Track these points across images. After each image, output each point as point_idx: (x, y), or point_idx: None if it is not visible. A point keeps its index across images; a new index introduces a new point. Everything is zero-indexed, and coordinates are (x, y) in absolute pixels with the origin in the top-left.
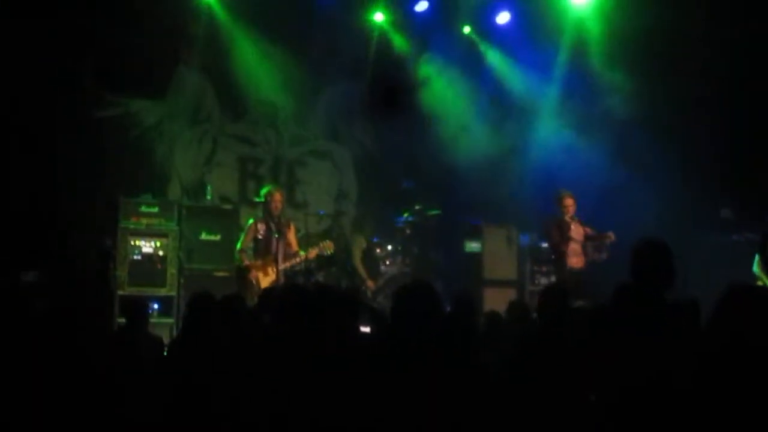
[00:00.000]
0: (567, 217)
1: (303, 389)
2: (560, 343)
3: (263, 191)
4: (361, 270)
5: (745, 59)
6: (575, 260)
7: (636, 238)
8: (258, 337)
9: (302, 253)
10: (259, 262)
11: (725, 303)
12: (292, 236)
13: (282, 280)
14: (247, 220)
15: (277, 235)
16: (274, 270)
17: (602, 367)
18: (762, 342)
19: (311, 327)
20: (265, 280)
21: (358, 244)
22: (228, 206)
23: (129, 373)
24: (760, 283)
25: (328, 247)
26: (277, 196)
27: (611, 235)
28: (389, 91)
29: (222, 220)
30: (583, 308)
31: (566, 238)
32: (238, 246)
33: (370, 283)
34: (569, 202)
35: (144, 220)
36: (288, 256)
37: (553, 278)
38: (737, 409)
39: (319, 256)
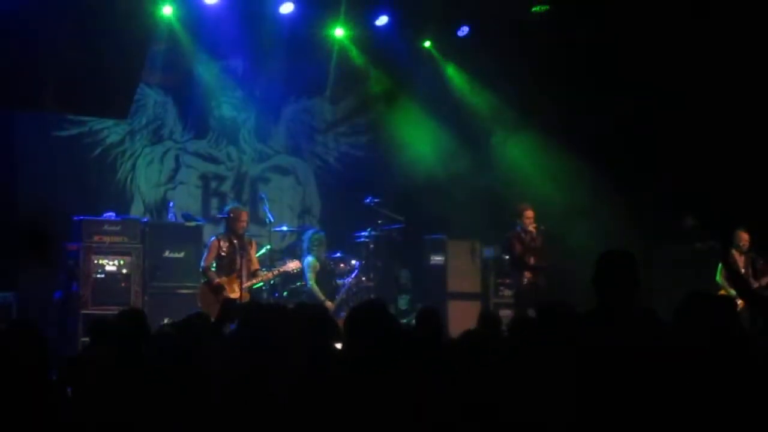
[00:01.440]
0: (530, 228)
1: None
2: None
3: (228, 209)
4: (318, 292)
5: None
6: (532, 273)
7: (599, 248)
8: (219, 350)
9: (266, 273)
10: (224, 279)
11: (684, 311)
12: (253, 254)
13: (246, 297)
14: (210, 238)
15: (241, 252)
16: (239, 287)
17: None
18: (719, 347)
19: (274, 341)
20: (230, 297)
21: (312, 267)
22: (191, 224)
23: (93, 393)
24: (723, 292)
25: (293, 266)
26: (243, 216)
27: None
28: (348, 108)
29: (185, 238)
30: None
31: (529, 249)
32: (203, 263)
33: (329, 304)
34: (530, 213)
35: (107, 239)
36: (252, 275)
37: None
38: (696, 414)
39: (284, 274)
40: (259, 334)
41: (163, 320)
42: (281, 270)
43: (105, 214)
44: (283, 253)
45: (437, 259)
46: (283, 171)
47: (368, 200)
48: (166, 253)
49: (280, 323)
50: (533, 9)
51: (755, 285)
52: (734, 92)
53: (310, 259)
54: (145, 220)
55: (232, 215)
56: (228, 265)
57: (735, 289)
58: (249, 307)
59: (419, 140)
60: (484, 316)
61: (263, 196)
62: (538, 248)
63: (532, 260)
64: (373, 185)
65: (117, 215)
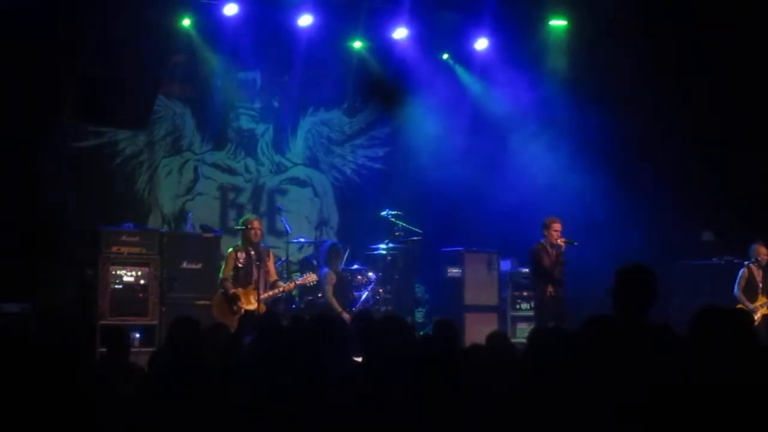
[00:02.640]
0: (559, 241)
1: (284, 416)
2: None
3: (242, 219)
4: (335, 304)
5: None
6: (555, 287)
7: (618, 262)
8: (239, 360)
9: (284, 285)
10: (240, 290)
11: (699, 324)
12: (271, 265)
13: (263, 308)
14: (227, 249)
15: (257, 264)
16: (255, 299)
17: (587, 390)
18: (732, 363)
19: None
20: (247, 308)
21: (329, 279)
22: (209, 235)
23: (110, 403)
24: (740, 306)
25: (311, 279)
26: (256, 224)
27: None
28: (366, 120)
29: (203, 249)
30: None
31: (556, 263)
32: (221, 275)
33: (346, 316)
34: (558, 227)
35: (125, 250)
36: (268, 286)
37: (533, 304)
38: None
39: (300, 286)
40: (276, 346)
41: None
42: (298, 282)
43: (123, 225)
44: (300, 264)
45: (454, 271)
46: (300, 183)
47: (385, 212)
48: (184, 264)
49: (297, 335)
50: (550, 24)
51: None
52: (747, 106)
53: (327, 271)
54: (163, 231)
55: (245, 225)
56: (245, 277)
57: None
58: (267, 318)
59: (436, 152)
60: (494, 336)
61: (281, 207)
62: (563, 262)
63: (557, 274)
64: (391, 197)
65: (135, 226)
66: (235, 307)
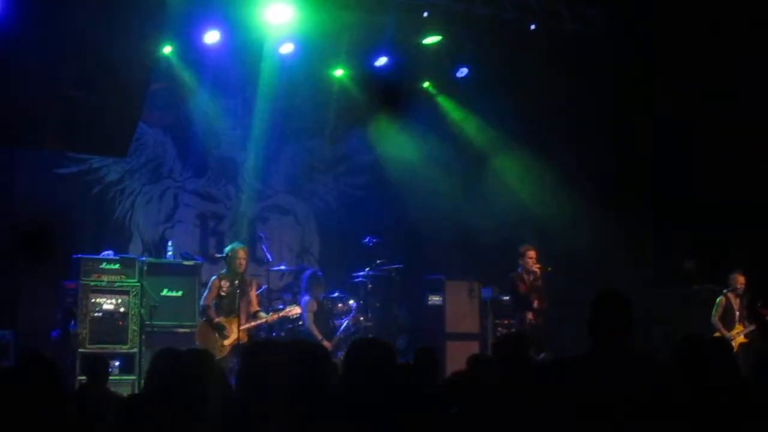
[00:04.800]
0: (534, 268)
1: None
2: (523, 394)
3: (228, 248)
4: (316, 332)
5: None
6: (534, 313)
7: (597, 290)
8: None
9: (266, 317)
10: (223, 319)
11: (681, 354)
12: (254, 295)
13: (244, 338)
14: (211, 277)
15: (239, 293)
16: (237, 328)
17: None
18: (716, 389)
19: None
20: (229, 338)
21: (309, 307)
22: (190, 262)
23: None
24: (717, 334)
25: (294, 312)
26: (242, 254)
27: None
28: (348, 148)
29: (184, 277)
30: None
31: (533, 290)
32: (203, 302)
33: (326, 344)
34: (532, 254)
35: (105, 277)
36: (250, 317)
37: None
38: None
39: (282, 318)
40: (258, 373)
41: None
42: (281, 315)
43: (103, 252)
44: (281, 291)
45: (436, 299)
46: (282, 210)
47: (367, 240)
48: (164, 292)
49: (279, 362)
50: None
51: (750, 327)
52: (731, 138)
53: (308, 299)
54: (143, 258)
55: (230, 254)
56: (228, 306)
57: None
58: (248, 347)
59: (418, 179)
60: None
61: (262, 235)
62: (540, 288)
63: (536, 301)
64: (372, 225)
65: (115, 253)
66: (222, 336)
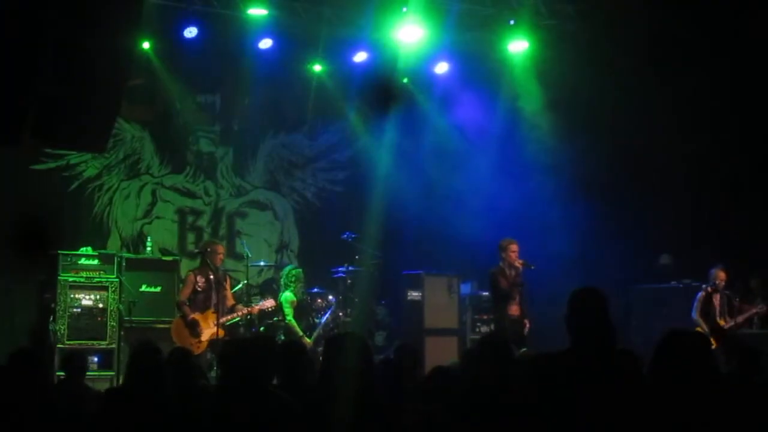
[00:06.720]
0: (516, 263)
1: None
2: (507, 392)
3: (205, 243)
4: (296, 328)
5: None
6: (515, 308)
7: (578, 286)
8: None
9: (243, 309)
10: (198, 315)
11: (663, 348)
12: (229, 289)
13: (222, 333)
14: (186, 271)
15: (216, 288)
16: (215, 323)
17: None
18: (698, 384)
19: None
20: (206, 333)
21: (290, 302)
22: (168, 258)
23: (68, 428)
24: (698, 329)
25: (269, 305)
26: (220, 249)
27: None
28: (327, 143)
29: (162, 273)
30: (527, 357)
31: (515, 284)
32: (178, 297)
33: (307, 341)
34: (515, 248)
35: (84, 273)
36: (227, 311)
37: (492, 326)
38: None
39: (260, 311)
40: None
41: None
42: (258, 308)
43: (82, 249)
44: (260, 287)
45: (414, 294)
46: (260, 206)
47: (346, 235)
48: (143, 288)
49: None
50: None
51: (730, 323)
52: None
53: (287, 294)
54: (122, 254)
55: (208, 249)
56: (203, 301)
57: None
58: (227, 343)
59: (397, 175)
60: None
61: (239, 231)
62: (521, 284)
63: (517, 296)
64: (351, 220)
65: (94, 249)
66: (195, 333)
